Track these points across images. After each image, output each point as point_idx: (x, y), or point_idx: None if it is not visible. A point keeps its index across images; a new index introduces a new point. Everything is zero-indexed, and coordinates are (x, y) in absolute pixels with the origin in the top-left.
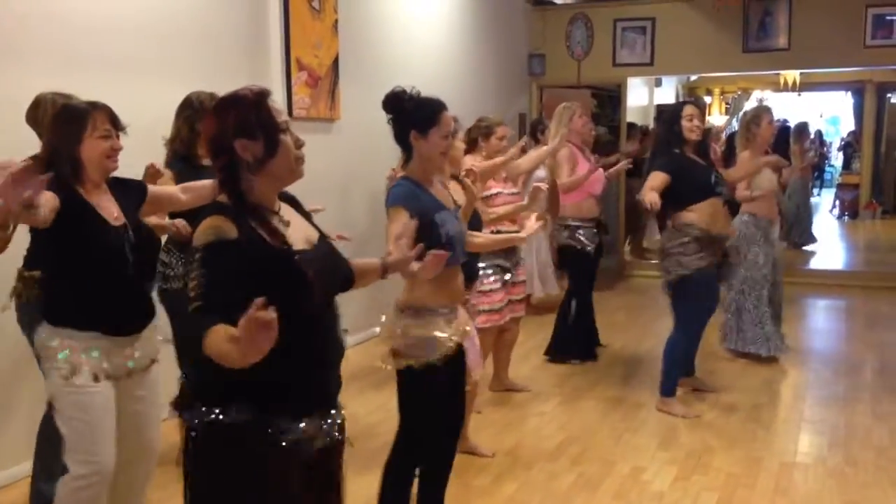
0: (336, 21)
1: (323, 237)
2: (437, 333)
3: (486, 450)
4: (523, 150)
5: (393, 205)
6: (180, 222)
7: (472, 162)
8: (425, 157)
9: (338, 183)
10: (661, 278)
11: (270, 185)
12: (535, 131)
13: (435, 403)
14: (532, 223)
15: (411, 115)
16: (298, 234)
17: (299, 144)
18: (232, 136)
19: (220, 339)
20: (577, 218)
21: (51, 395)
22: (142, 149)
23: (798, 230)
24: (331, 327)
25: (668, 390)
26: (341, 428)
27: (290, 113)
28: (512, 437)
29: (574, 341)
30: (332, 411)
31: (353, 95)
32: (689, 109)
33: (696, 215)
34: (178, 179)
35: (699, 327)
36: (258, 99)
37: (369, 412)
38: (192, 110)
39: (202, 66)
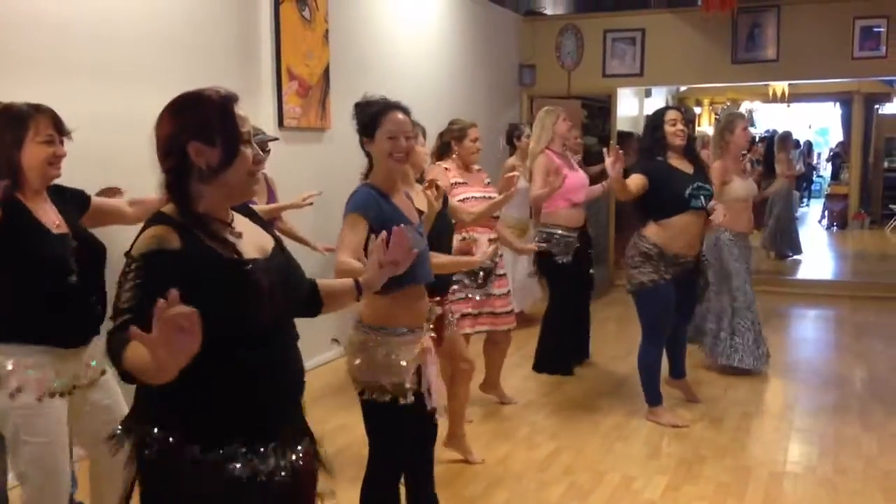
0: (327, 31)
1: (280, 248)
2: (394, 355)
3: (476, 456)
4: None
5: (351, 211)
6: None
7: (445, 165)
8: (378, 161)
9: (328, 192)
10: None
11: (221, 197)
12: (511, 137)
13: (399, 429)
14: (484, 246)
15: (359, 121)
16: (251, 245)
17: (258, 160)
18: (187, 137)
19: (140, 352)
20: (560, 226)
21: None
22: (133, 158)
23: (783, 239)
24: (287, 349)
25: (652, 400)
26: (307, 456)
27: (280, 122)
28: (503, 446)
29: (553, 355)
30: (292, 440)
31: (344, 105)
32: (671, 114)
33: (656, 231)
34: None
35: (660, 335)
36: (223, 102)
37: (360, 421)
38: None
39: (193, 76)
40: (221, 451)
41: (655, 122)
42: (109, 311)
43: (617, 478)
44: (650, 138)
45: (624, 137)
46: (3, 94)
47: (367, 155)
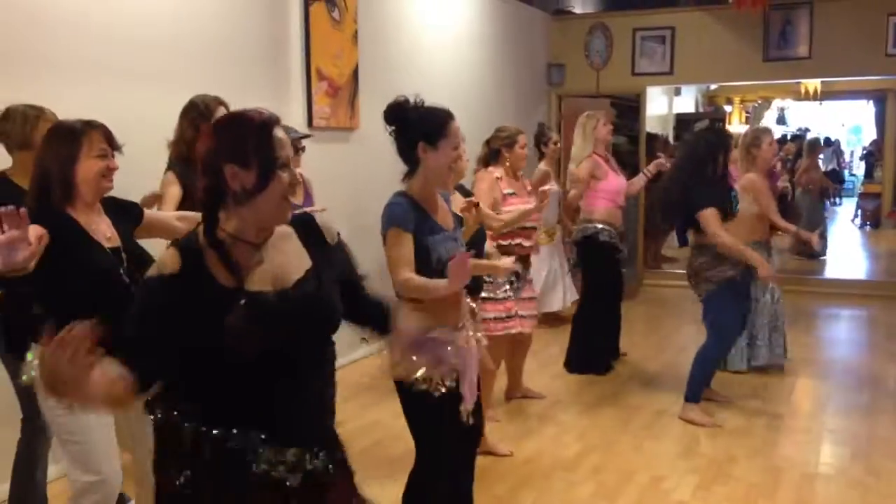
0: (356, 31)
1: (316, 276)
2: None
3: (503, 449)
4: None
5: (390, 227)
6: None
7: (496, 174)
8: (433, 169)
9: (357, 191)
10: (686, 288)
11: (253, 220)
12: (538, 143)
13: (440, 420)
14: (508, 261)
15: (418, 125)
16: (268, 273)
17: (294, 183)
18: (224, 158)
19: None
20: (602, 221)
21: (45, 418)
22: (162, 159)
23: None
24: (306, 374)
25: (693, 396)
26: (325, 468)
27: (310, 122)
28: (531, 445)
29: (589, 354)
30: (300, 449)
31: (373, 105)
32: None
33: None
34: (181, 180)
35: (733, 336)
36: (263, 125)
37: (391, 418)
38: (196, 113)
39: (224, 77)
40: (220, 431)
41: (724, 145)
42: None
43: (646, 478)
44: (714, 164)
45: (651, 139)
46: (33, 97)
47: (412, 159)
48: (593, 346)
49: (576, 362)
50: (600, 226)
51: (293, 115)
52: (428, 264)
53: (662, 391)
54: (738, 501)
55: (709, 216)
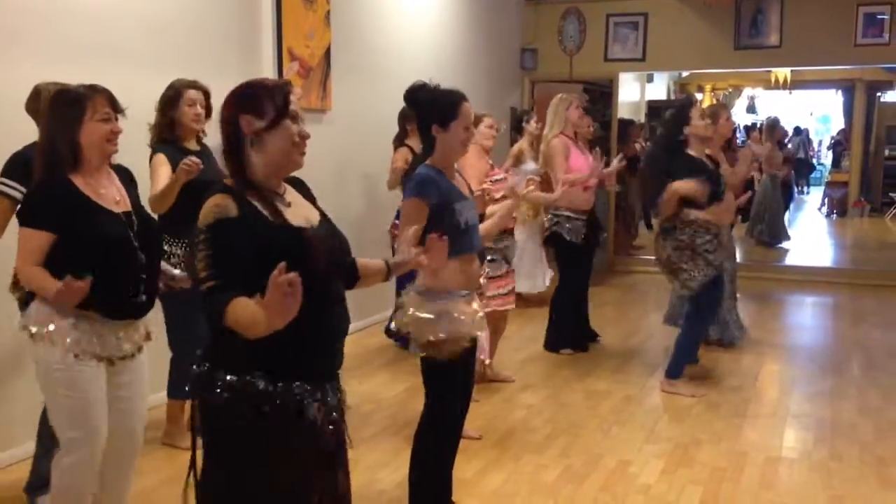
0: (328, 12)
1: (325, 219)
2: (456, 314)
3: (473, 432)
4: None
5: (410, 196)
6: (194, 160)
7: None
8: (448, 148)
9: (330, 173)
10: (654, 274)
11: (270, 167)
12: (519, 122)
13: (453, 375)
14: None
15: (431, 108)
16: (299, 214)
17: (304, 136)
18: (240, 111)
19: (243, 310)
20: (571, 209)
21: (38, 372)
22: (132, 138)
23: (768, 228)
24: (337, 303)
25: (676, 373)
26: (342, 400)
27: None
28: (500, 428)
29: (565, 332)
30: (335, 383)
31: (345, 86)
32: (696, 110)
33: (709, 217)
34: (171, 161)
35: (714, 314)
36: (276, 86)
37: (380, 389)
38: (168, 96)
39: (195, 57)
40: (283, 385)
41: (682, 117)
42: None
43: (613, 461)
44: (677, 133)
45: (625, 125)
46: (10, 77)
47: (426, 138)
48: (567, 327)
49: (552, 342)
50: (560, 214)
51: None
52: (457, 226)
53: (631, 376)
54: (703, 485)
55: (676, 188)
